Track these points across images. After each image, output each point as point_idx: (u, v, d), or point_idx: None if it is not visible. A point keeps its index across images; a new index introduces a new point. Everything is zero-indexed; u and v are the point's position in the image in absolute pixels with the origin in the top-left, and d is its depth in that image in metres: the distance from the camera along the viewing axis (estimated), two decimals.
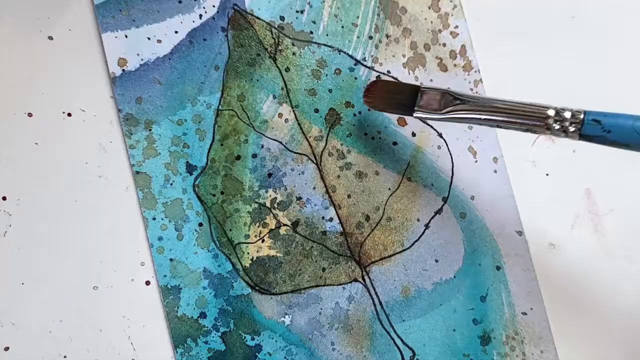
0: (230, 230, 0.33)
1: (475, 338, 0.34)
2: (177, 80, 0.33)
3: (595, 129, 0.26)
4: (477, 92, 0.35)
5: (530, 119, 0.28)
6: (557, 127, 0.27)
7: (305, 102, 0.34)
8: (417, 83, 0.35)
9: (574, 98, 0.36)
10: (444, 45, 0.35)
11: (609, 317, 0.35)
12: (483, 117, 0.29)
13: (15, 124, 0.31)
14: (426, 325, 0.34)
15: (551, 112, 0.28)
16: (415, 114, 0.31)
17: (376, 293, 0.34)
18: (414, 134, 0.35)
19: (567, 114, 0.27)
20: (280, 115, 0.34)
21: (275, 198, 0.33)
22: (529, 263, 0.35)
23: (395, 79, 0.35)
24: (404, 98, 0.31)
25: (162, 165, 0.32)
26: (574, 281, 0.35)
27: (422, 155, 0.35)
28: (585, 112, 0.27)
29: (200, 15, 0.33)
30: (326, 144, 0.34)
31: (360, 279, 0.34)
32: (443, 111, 0.30)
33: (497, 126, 0.29)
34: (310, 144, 0.34)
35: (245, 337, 0.33)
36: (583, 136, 0.27)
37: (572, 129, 0.27)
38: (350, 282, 0.34)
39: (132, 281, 0.32)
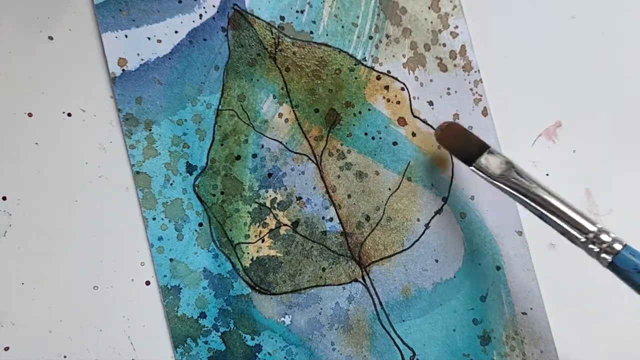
0: (230, 230, 0.33)
1: (475, 338, 0.34)
2: (177, 80, 0.33)
3: (628, 263, 0.26)
4: (477, 93, 0.35)
5: (572, 227, 0.28)
6: (596, 249, 0.27)
7: (305, 102, 0.34)
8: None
9: (574, 98, 0.36)
10: (444, 45, 0.35)
11: (608, 317, 0.35)
12: (529, 202, 0.29)
13: (15, 124, 0.31)
14: (426, 325, 0.34)
15: (593, 228, 0.28)
16: (472, 166, 0.31)
17: (376, 293, 0.34)
18: (414, 134, 0.35)
19: (606, 237, 0.27)
20: (280, 115, 0.34)
21: (275, 198, 0.33)
22: (529, 263, 0.35)
23: (404, 84, 0.35)
24: (470, 149, 0.31)
25: (162, 165, 0.32)
26: (574, 281, 0.35)
27: (422, 155, 0.35)
28: (624, 246, 0.27)
29: (200, 15, 0.33)
30: (326, 144, 0.34)
31: (361, 279, 0.34)
32: (498, 176, 0.30)
33: (538, 215, 0.29)
34: (310, 144, 0.34)
35: (245, 337, 0.33)
36: (612, 264, 0.27)
37: (607, 257, 0.27)
38: (350, 282, 0.34)
39: (132, 281, 0.32)
